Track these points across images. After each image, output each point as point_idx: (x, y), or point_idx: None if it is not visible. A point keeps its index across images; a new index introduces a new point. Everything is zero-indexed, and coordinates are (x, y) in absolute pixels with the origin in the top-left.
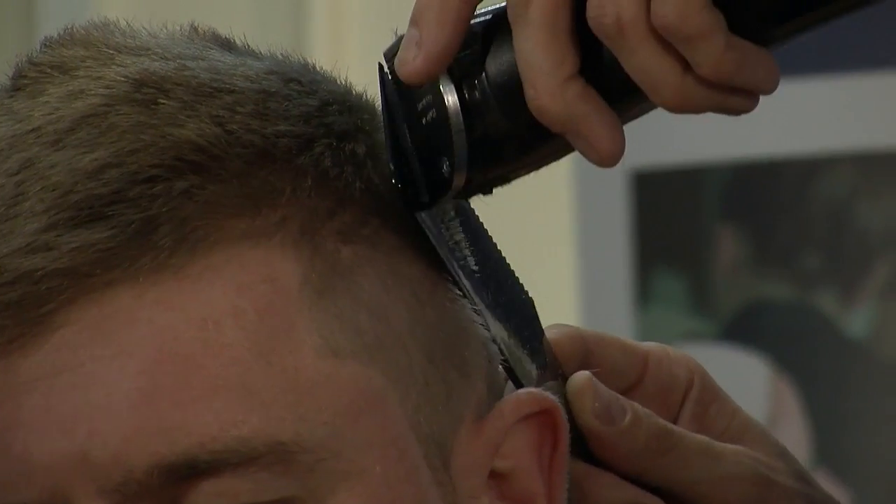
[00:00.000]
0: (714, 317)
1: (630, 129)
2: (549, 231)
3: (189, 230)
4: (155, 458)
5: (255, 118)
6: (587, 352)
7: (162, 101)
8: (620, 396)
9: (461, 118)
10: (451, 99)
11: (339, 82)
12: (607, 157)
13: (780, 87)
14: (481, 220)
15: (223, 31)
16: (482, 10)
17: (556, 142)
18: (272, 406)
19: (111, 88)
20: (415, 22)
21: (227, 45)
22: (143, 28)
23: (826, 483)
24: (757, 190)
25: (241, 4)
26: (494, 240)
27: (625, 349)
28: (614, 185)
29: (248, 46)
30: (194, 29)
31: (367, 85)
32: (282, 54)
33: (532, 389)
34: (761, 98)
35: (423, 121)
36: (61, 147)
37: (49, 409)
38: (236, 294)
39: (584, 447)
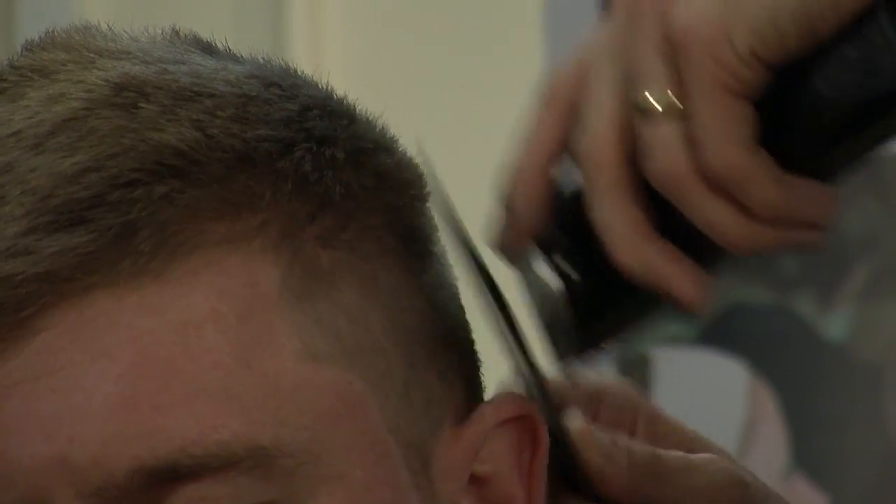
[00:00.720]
0: (692, 320)
1: None
2: None
3: (169, 234)
4: (135, 462)
5: (235, 122)
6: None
7: (142, 104)
8: (610, 434)
9: (561, 287)
10: (544, 271)
11: (319, 87)
12: (695, 308)
13: None
14: (469, 216)
15: (204, 35)
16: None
17: (651, 296)
18: (252, 410)
19: (92, 92)
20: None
21: (208, 48)
22: (125, 31)
23: (804, 486)
24: None
25: (222, 8)
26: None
27: (583, 390)
28: None
29: (230, 50)
30: (175, 32)
31: (347, 90)
32: (263, 58)
33: (512, 393)
34: None
35: (537, 292)
36: (41, 151)
37: (29, 413)
38: (216, 298)
39: (560, 463)
